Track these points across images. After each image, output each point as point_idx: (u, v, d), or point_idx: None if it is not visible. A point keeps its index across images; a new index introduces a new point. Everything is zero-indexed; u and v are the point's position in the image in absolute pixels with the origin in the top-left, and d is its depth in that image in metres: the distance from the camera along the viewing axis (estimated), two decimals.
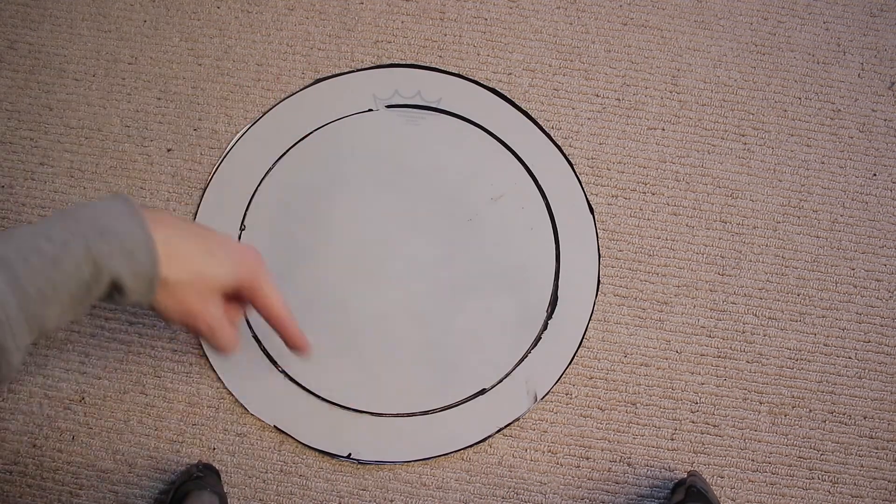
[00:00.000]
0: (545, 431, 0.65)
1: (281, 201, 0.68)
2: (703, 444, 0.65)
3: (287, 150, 0.70)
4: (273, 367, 0.66)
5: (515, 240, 0.68)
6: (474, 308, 0.66)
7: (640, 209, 0.69)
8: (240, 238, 0.67)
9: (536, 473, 0.64)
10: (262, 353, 0.66)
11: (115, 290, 0.45)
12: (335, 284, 0.67)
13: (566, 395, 0.65)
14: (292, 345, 0.54)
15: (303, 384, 0.65)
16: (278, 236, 0.67)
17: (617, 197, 0.69)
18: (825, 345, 0.67)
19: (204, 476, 0.60)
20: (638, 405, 0.65)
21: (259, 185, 0.69)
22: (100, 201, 0.45)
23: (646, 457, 0.64)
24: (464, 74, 0.72)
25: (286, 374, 0.66)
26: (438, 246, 0.67)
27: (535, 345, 0.66)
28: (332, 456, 0.64)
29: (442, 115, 0.70)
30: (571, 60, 0.72)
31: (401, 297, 0.66)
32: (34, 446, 0.65)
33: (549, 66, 0.72)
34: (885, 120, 0.71)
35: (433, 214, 0.68)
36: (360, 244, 0.68)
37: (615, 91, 0.72)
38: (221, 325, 0.50)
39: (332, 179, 0.69)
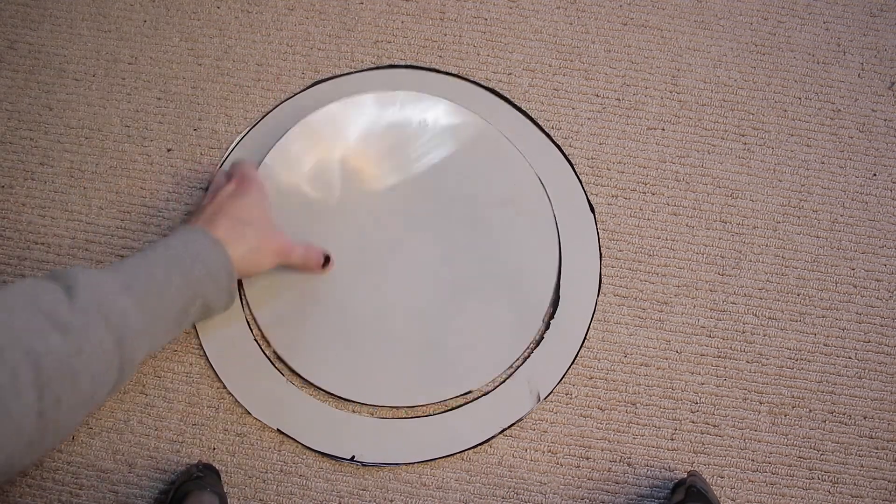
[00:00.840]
0: (545, 431, 0.65)
1: (281, 199, 0.68)
2: (703, 444, 0.65)
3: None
4: (273, 368, 0.66)
5: (518, 241, 0.68)
6: (475, 308, 0.66)
7: (640, 209, 0.69)
8: None
9: (536, 473, 0.64)
10: (262, 355, 0.66)
11: (203, 312, 0.55)
12: (336, 283, 0.67)
13: (566, 395, 0.65)
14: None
15: (302, 375, 0.65)
16: (280, 222, 0.67)
17: (617, 197, 0.70)
18: (825, 345, 0.67)
19: (204, 476, 0.60)
20: (638, 405, 0.65)
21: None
22: (180, 234, 0.55)
23: (646, 457, 0.64)
24: (464, 74, 0.72)
25: (286, 375, 0.66)
26: (440, 245, 0.67)
27: (538, 345, 0.66)
28: (336, 458, 0.64)
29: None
30: (571, 60, 0.72)
31: (402, 295, 0.66)
32: None
33: (549, 66, 0.72)
34: (885, 120, 0.71)
35: (435, 213, 0.68)
36: (362, 242, 0.68)
37: (615, 91, 0.72)
38: (300, 250, 0.62)
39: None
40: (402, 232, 0.68)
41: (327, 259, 0.65)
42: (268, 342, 0.66)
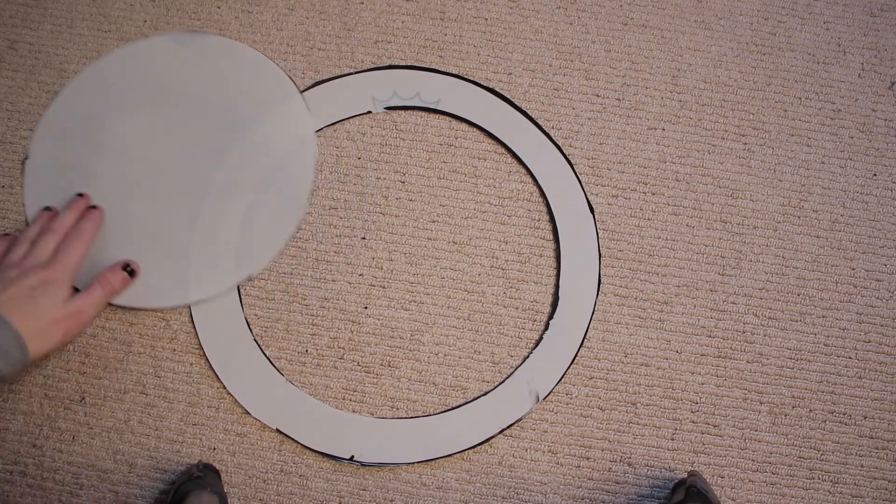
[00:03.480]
0: (545, 431, 0.65)
1: (62, 131, 0.71)
2: (703, 444, 0.65)
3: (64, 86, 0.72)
4: (273, 368, 0.66)
5: (280, 143, 0.70)
6: (239, 206, 0.69)
7: (640, 209, 0.69)
8: (24, 165, 0.70)
9: (536, 473, 0.64)
10: (262, 355, 0.66)
11: None
12: (116, 199, 0.69)
13: (566, 395, 0.66)
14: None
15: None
16: (61, 163, 0.70)
17: (617, 197, 0.70)
18: (825, 345, 0.67)
19: (204, 476, 0.60)
20: (638, 405, 0.65)
21: (42, 117, 0.71)
22: None
23: (646, 457, 0.64)
24: (464, 75, 0.72)
25: (285, 374, 0.66)
26: (210, 156, 0.70)
27: (537, 345, 0.66)
28: (335, 458, 0.64)
29: (214, 37, 0.73)
30: (571, 60, 0.72)
31: (175, 203, 0.69)
32: (34, 446, 0.65)
33: (549, 66, 0.72)
34: (885, 120, 0.71)
35: (203, 128, 0.70)
36: (139, 163, 0.70)
37: (615, 91, 0.72)
38: (96, 295, 0.63)
39: (111, 108, 0.71)
40: (174, 150, 0.70)
41: (130, 272, 0.66)
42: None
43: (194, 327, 0.67)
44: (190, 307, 0.67)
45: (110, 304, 0.67)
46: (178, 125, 0.71)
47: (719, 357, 0.66)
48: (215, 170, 0.70)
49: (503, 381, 0.65)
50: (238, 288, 0.67)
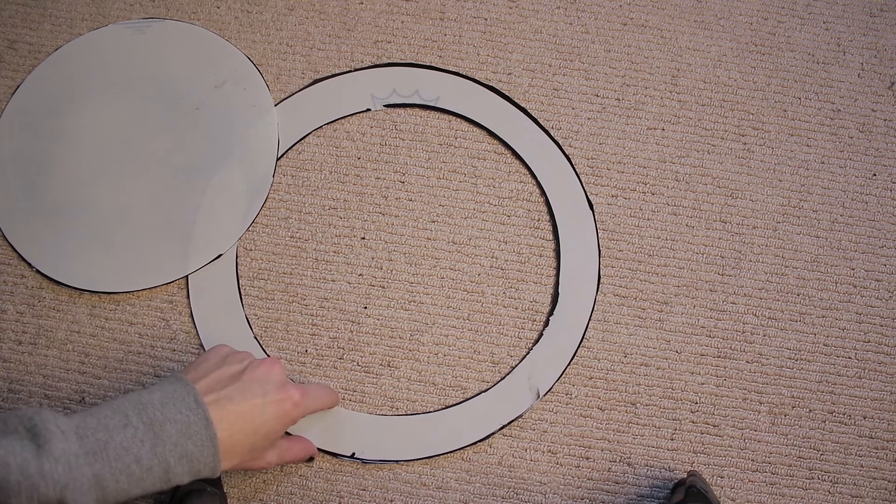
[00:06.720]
0: (545, 431, 0.65)
1: (25, 123, 0.71)
2: (703, 444, 0.65)
3: (24, 80, 0.73)
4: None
5: (240, 118, 0.71)
6: (208, 185, 0.69)
7: (640, 209, 0.69)
8: None
9: (536, 473, 0.64)
10: (263, 355, 0.66)
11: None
12: (83, 185, 0.69)
13: (566, 395, 0.65)
14: None
15: (67, 282, 0.68)
16: (25, 155, 0.70)
17: (617, 197, 0.70)
18: (825, 345, 0.67)
19: None
20: (638, 405, 0.65)
21: (4, 112, 0.72)
22: (180, 409, 0.51)
23: (646, 457, 0.64)
24: (463, 74, 0.72)
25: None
26: (172, 136, 0.70)
27: (537, 342, 0.66)
28: (336, 456, 0.64)
29: (170, 21, 0.74)
30: (571, 60, 0.72)
31: (142, 186, 0.69)
32: None
33: (549, 66, 0.72)
34: (885, 120, 0.71)
35: (164, 110, 0.71)
36: (103, 149, 0.70)
37: (615, 91, 0.72)
38: (281, 457, 0.59)
39: (71, 98, 0.71)
40: (136, 133, 0.71)
41: (310, 460, 0.63)
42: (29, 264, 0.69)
43: (195, 327, 0.67)
44: (191, 307, 0.67)
45: (107, 305, 0.67)
46: (140, 109, 0.71)
47: (719, 357, 0.66)
48: (179, 150, 0.70)
49: (503, 378, 0.65)
50: (238, 288, 0.67)
